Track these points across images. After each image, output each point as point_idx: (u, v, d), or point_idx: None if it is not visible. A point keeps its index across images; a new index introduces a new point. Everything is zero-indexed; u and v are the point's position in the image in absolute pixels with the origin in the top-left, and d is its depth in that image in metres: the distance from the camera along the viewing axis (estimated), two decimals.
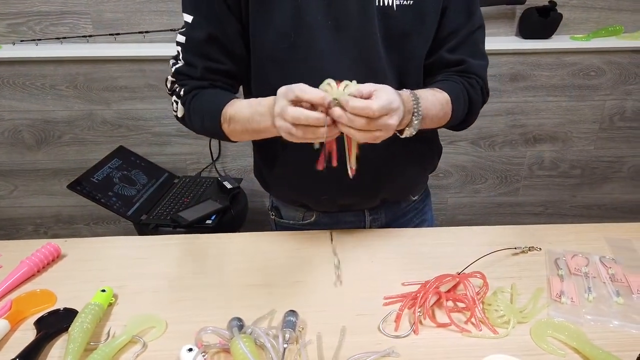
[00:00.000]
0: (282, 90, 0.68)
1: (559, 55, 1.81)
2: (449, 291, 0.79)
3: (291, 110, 0.65)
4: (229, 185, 1.66)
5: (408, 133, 0.76)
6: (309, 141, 0.68)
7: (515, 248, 0.92)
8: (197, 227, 1.47)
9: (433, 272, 0.81)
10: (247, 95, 0.92)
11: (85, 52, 1.70)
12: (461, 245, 0.93)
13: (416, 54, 0.86)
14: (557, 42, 1.78)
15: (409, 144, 0.80)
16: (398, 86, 0.80)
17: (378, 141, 0.68)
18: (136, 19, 1.69)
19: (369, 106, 0.64)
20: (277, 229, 1.07)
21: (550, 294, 0.80)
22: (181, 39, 0.83)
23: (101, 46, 1.71)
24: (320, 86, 0.69)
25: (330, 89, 0.68)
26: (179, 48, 0.84)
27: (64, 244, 0.93)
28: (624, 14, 1.77)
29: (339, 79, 0.69)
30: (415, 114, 0.74)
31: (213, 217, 1.50)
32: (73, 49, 1.70)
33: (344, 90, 0.68)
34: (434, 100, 0.79)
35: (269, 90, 0.74)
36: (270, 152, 0.94)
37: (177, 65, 0.85)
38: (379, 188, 0.94)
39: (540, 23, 1.72)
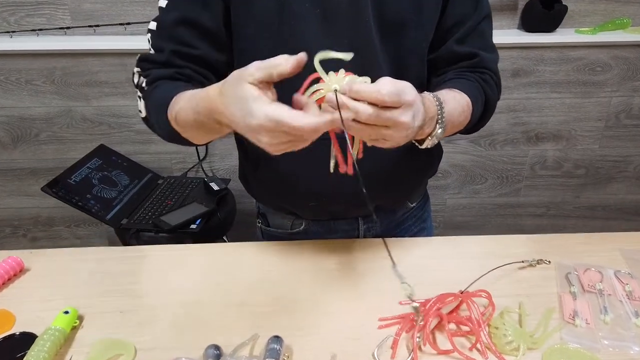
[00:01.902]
0: (253, 92, 0.52)
1: (564, 49, 1.74)
2: (451, 312, 0.72)
3: (287, 117, 0.50)
4: (215, 187, 1.59)
5: (430, 143, 0.68)
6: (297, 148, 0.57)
7: (523, 262, 0.85)
8: (180, 232, 1.40)
9: (433, 289, 0.75)
10: None
11: (63, 45, 1.62)
12: (463, 257, 0.86)
13: (416, 46, 0.79)
14: (562, 35, 1.72)
15: (409, 147, 0.73)
16: None
17: (386, 145, 0.59)
18: (117, 9, 1.61)
19: (378, 89, 0.53)
20: (263, 238, 1.00)
21: (562, 314, 0.73)
22: (152, 25, 0.75)
23: (80, 38, 1.64)
24: (314, 86, 0.58)
25: (328, 80, 0.58)
26: (149, 35, 0.76)
27: (29, 257, 0.85)
28: (632, 6, 1.70)
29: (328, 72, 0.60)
30: (440, 121, 0.66)
31: (198, 222, 1.43)
32: (50, 41, 1.62)
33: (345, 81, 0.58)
34: (455, 105, 0.71)
35: None
36: (253, 152, 0.87)
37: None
38: (374, 195, 0.87)
39: (544, 15, 1.66)
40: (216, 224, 1.48)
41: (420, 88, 0.83)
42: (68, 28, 1.62)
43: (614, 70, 1.78)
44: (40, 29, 1.62)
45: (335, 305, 0.75)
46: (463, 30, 0.80)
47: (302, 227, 0.93)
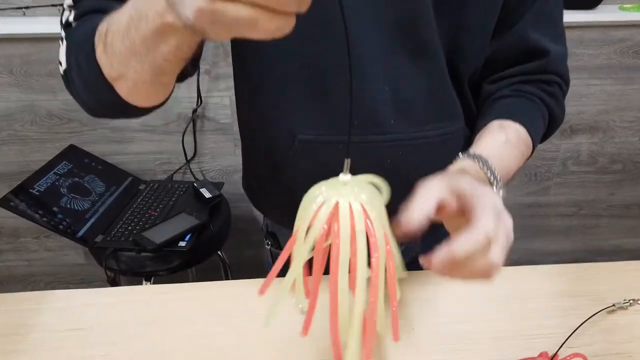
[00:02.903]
0: None
1: (605, 29, 1.56)
2: None
3: None
4: (207, 194, 1.39)
5: None
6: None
7: (614, 305, 0.67)
8: (167, 250, 1.21)
9: (502, 346, 0.57)
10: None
11: (22, 29, 1.41)
12: (517, 299, 0.68)
13: (477, 23, 0.61)
14: (603, 13, 1.53)
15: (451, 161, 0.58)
16: (450, 75, 0.62)
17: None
18: None
19: (450, 254, 0.38)
20: (272, 263, 0.82)
21: None
22: None
23: (42, 20, 1.42)
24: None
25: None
26: None
27: None
28: None
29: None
30: (495, 184, 0.53)
31: (188, 237, 1.24)
32: (6, 24, 1.41)
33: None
34: (509, 160, 0.59)
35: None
36: (258, 162, 0.73)
37: None
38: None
39: None
40: (209, 238, 1.29)
41: (472, 79, 0.68)
42: (27, 8, 1.41)
43: None
44: None
45: None
46: (531, 11, 0.63)
47: None
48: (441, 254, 0.37)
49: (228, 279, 1.50)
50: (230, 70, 0.71)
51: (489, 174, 0.52)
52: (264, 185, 0.74)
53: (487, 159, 0.53)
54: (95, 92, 0.50)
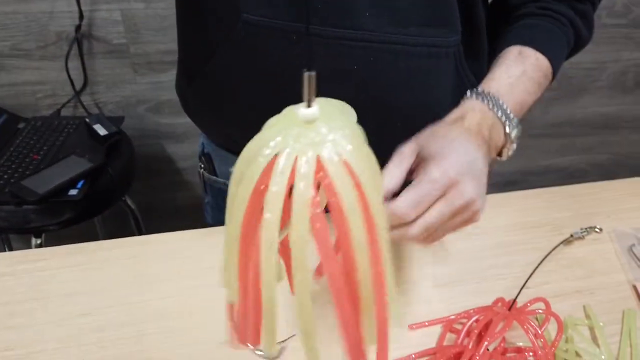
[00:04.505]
0: None
1: None
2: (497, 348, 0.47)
3: None
4: (103, 131, 1.20)
5: (510, 151, 0.52)
6: None
7: (572, 236, 0.62)
8: (55, 201, 1.04)
9: (449, 295, 0.50)
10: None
11: None
12: (460, 238, 0.60)
13: None
14: None
15: None
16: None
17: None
18: None
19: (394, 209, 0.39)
20: (206, 191, 0.76)
21: None
22: None
23: None
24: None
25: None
26: None
27: None
28: None
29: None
30: (508, 124, 0.50)
31: (80, 184, 1.06)
32: None
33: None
34: (523, 96, 0.53)
35: None
36: (193, 54, 0.62)
37: None
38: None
39: None
40: (107, 184, 1.12)
41: None
42: None
43: None
44: None
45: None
46: None
47: None
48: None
49: (139, 229, 1.35)
50: None
51: (499, 114, 0.49)
52: (198, 87, 0.62)
53: (498, 97, 0.50)
54: None
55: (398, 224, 0.39)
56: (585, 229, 0.63)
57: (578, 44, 0.62)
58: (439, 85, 0.56)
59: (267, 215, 0.26)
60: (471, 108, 0.50)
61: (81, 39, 1.32)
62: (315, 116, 0.27)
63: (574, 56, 0.64)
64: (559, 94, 1.81)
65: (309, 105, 0.27)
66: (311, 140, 0.26)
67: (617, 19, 1.68)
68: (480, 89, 0.52)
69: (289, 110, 0.28)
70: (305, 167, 0.25)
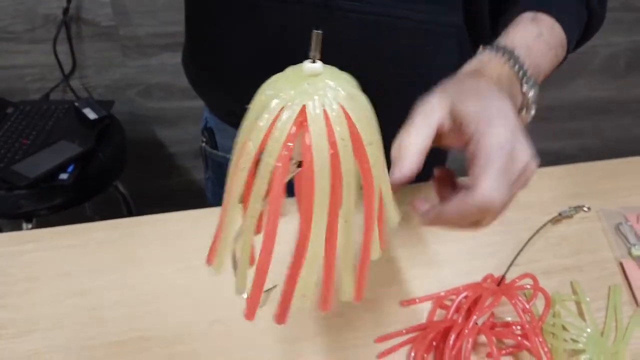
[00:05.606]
0: None
1: None
2: (485, 322, 0.48)
3: None
4: (93, 115, 1.19)
5: (527, 119, 0.46)
6: None
7: (560, 214, 0.63)
8: (45, 186, 1.03)
9: (441, 273, 0.51)
10: None
11: None
12: None
13: None
14: None
15: None
16: None
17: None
18: None
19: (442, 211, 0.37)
20: (207, 167, 0.77)
21: (633, 295, 0.53)
22: None
23: None
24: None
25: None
26: None
27: None
28: None
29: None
30: (525, 81, 0.44)
31: (70, 169, 1.06)
32: None
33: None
34: (540, 59, 0.47)
35: None
36: (198, 26, 0.61)
37: None
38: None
39: None
40: (98, 168, 1.12)
41: None
42: None
43: None
44: None
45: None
46: None
47: None
48: (430, 213, 0.37)
49: (131, 215, 1.35)
50: None
51: (516, 68, 0.43)
52: (203, 58, 0.62)
53: (514, 49, 0.44)
54: None
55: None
56: (574, 207, 0.64)
57: (590, 23, 0.58)
58: (440, 65, 0.54)
59: (249, 143, 0.28)
60: (487, 59, 0.44)
61: (69, 21, 1.30)
62: (319, 70, 0.28)
63: (587, 41, 0.60)
64: (549, 78, 1.81)
65: (314, 62, 0.28)
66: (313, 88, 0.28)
67: (609, 3, 1.68)
68: (494, 43, 0.46)
69: (292, 69, 0.30)
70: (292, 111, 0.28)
